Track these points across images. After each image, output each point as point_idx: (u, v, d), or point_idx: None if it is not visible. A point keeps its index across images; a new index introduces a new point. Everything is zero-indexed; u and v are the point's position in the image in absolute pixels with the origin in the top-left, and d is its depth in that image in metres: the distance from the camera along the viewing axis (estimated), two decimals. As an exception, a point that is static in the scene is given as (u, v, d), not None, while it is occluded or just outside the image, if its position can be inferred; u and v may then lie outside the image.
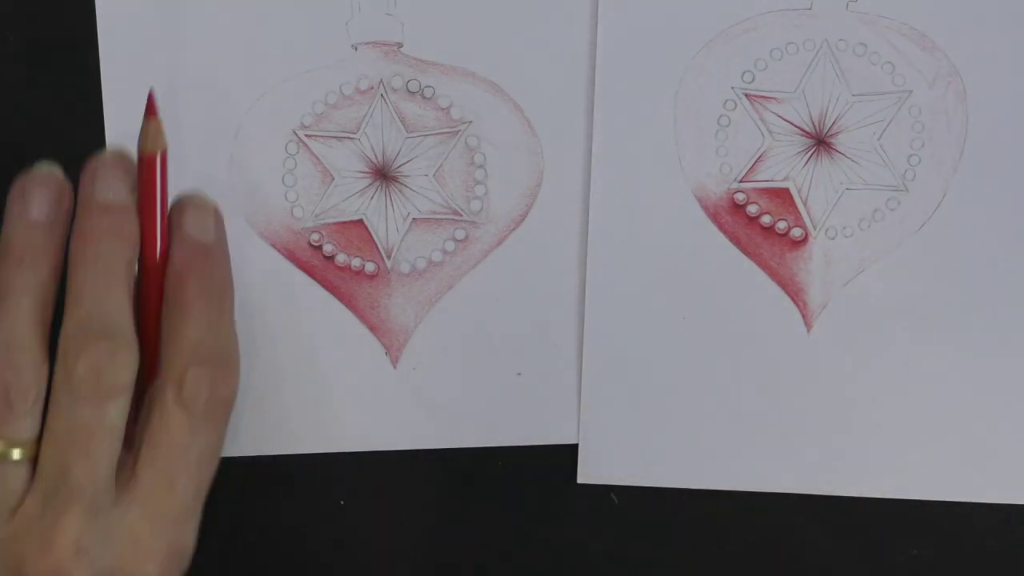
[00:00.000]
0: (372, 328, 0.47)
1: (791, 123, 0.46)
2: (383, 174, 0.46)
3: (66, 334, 0.39)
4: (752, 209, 0.47)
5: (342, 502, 0.49)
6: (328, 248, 0.47)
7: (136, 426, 0.41)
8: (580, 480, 0.48)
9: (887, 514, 0.48)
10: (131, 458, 0.40)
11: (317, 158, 0.46)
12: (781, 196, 0.47)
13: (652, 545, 0.49)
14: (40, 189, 0.40)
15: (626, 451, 0.48)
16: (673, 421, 0.48)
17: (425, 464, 0.48)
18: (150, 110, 0.40)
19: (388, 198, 0.46)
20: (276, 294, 0.47)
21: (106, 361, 0.39)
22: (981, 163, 0.46)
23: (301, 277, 0.47)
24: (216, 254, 0.42)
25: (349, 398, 0.48)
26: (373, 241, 0.47)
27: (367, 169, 0.46)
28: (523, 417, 0.48)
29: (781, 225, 0.47)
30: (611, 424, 0.48)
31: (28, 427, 0.39)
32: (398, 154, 0.46)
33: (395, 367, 0.48)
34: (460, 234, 0.47)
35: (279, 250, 0.46)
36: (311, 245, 0.46)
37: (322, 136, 0.46)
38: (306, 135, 0.46)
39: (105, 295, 0.39)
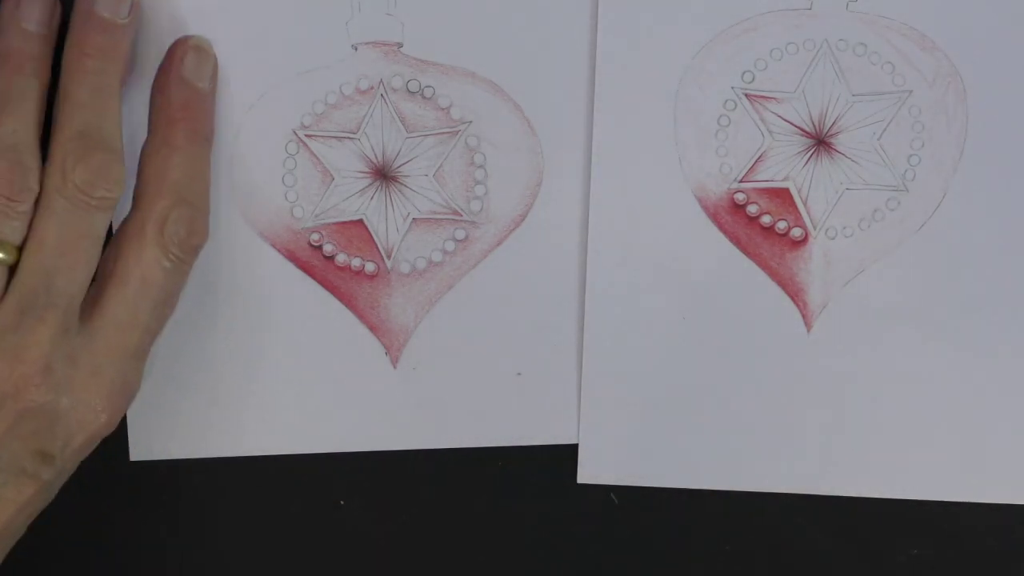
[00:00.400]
0: (372, 328, 0.47)
1: (791, 123, 0.46)
2: (383, 174, 0.46)
3: (63, 141, 0.40)
4: (752, 209, 0.47)
5: (342, 502, 0.49)
6: (328, 248, 0.47)
7: (107, 255, 0.41)
8: (580, 480, 0.48)
9: (887, 514, 0.48)
10: (96, 288, 0.41)
11: (317, 158, 0.46)
12: (781, 196, 0.47)
13: (652, 545, 0.49)
14: (34, 1, 0.41)
15: (626, 451, 0.48)
16: (673, 421, 0.48)
17: (425, 464, 0.48)
18: None
19: (388, 198, 0.46)
20: (276, 294, 0.47)
21: (104, 171, 0.39)
22: (981, 163, 0.46)
23: (301, 277, 0.47)
24: (208, 101, 0.43)
25: (349, 398, 0.48)
26: (373, 241, 0.47)
27: (367, 169, 0.46)
28: (523, 417, 0.48)
29: (781, 225, 0.47)
30: (611, 424, 0.48)
31: (19, 229, 0.39)
32: (398, 154, 0.46)
33: (395, 367, 0.48)
34: (460, 234, 0.47)
35: (279, 250, 0.46)
36: (311, 245, 0.46)
37: (322, 136, 0.46)
38: (306, 135, 0.46)
39: (103, 110, 0.40)
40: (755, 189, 0.47)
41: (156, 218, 0.41)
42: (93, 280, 0.41)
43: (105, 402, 0.41)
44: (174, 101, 0.42)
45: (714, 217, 0.47)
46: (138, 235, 0.41)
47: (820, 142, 0.46)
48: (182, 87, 0.42)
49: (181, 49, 0.43)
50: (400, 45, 0.45)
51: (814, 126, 0.46)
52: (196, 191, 0.42)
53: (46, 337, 0.39)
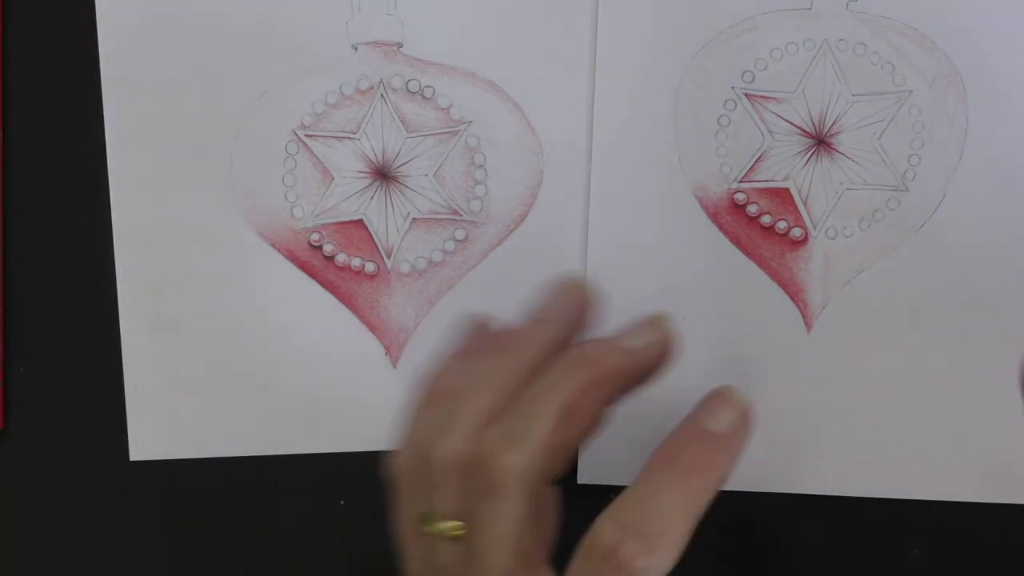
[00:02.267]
0: (372, 328, 0.47)
1: (791, 123, 0.46)
2: (383, 174, 0.46)
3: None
4: (752, 209, 0.47)
5: (342, 502, 0.49)
6: (328, 248, 0.47)
7: None
8: (580, 480, 0.48)
9: (887, 514, 0.48)
10: None
11: (317, 158, 0.46)
12: (781, 196, 0.47)
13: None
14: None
15: (626, 451, 0.48)
16: (673, 421, 0.48)
17: (425, 464, 0.48)
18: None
19: (388, 198, 0.46)
20: (276, 294, 0.47)
21: (503, 460, 0.36)
22: (981, 163, 0.46)
23: (301, 277, 0.47)
24: (729, 447, 0.39)
25: (349, 398, 0.48)
26: (373, 241, 0.47)
27: (367, 169, 0.46)
28: (523, 417, 0.48)
29: (781, 225, 0.47)
30: (611, 424, 0.48)
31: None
32: (398, 154, 0.46)
33: (395, 367, 0.48)
34: (460, 234, 0.47)
35: (279, 250, 0.46)
36: (311, 245, 0.46)
37: (322, 136, 0.46)
38: (306, 135, 0.46)
39: (534, 411, 0.37)
40: (755, 189, 0.47)
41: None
42: None
43: None
44: (684, 437, 0.39)
45: (714, 217, 0.47)
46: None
47: (820, 142, 0.46)
48: (696, 430, 0.39)
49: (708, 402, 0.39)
50: (400, 45, 0.45)
51: (814, 126, 0.46)
52: (648, 521, 0.37)
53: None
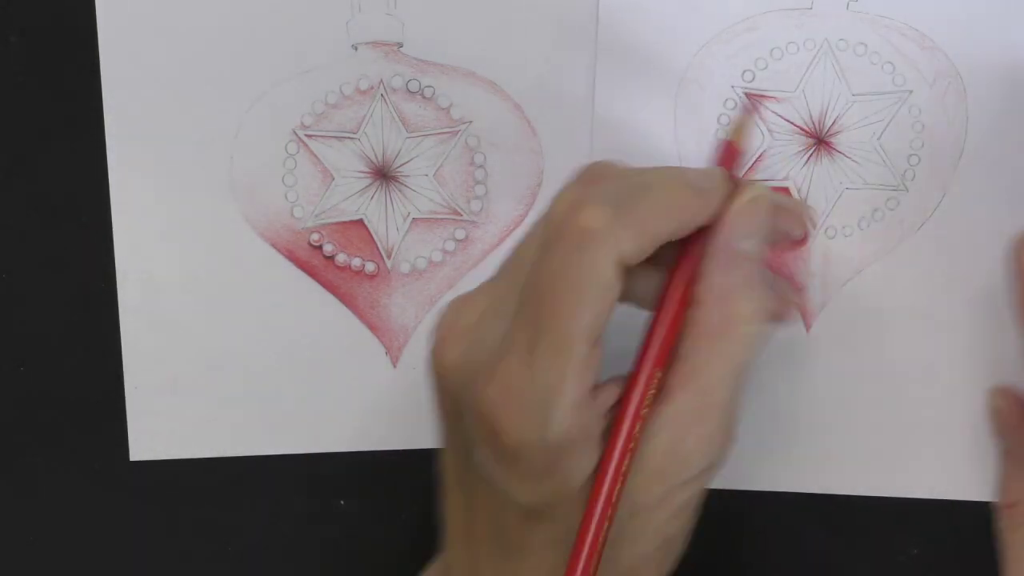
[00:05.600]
0: (372, 328, 0.47)
1: (791, 123, 0.46)
2: (383, 174, 0.46)
3: None
4: (752, 209, 0.47)
5: (342, 502, 0.49)
6: (328, 248, 0.47)
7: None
8: (580, 480, 0.48)
9: (887, 514, 0.48)
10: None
11: (317, 158, 0.46)
12: (781, 196, 0.47)
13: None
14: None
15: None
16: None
17: (425, 464, 0.48)
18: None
19: (388, 198, 0.46)
20: (276, 294, 0.47)
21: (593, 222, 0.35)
22: (981, 163, 0.46)
23: (301, 277, 0.47)
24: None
25: (349, 398, 0.48)
26: (373, 241, 0.47)
27: (367, 169, 0.46)
28: (523, 417, 0.48)
29: (781, 225, 0.47)
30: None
31: None
32: (398, 154, 0.46)
33: (395, 367, 0.48)
34: (460, 234, 0.47)
35: (279, 250, 0.46)
36: (311, 245, 0.46)
37: (322, 136, 0.46)
38: (306, 135, 0.46)
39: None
40: (755, 189, 0.47)
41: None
42: None
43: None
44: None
45: (714, 217, 0.47)
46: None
47: (820, 142, 0.46)
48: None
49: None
50: (400, 45, 0.46)
51: (814, 125, 0.46)
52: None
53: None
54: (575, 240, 0.35)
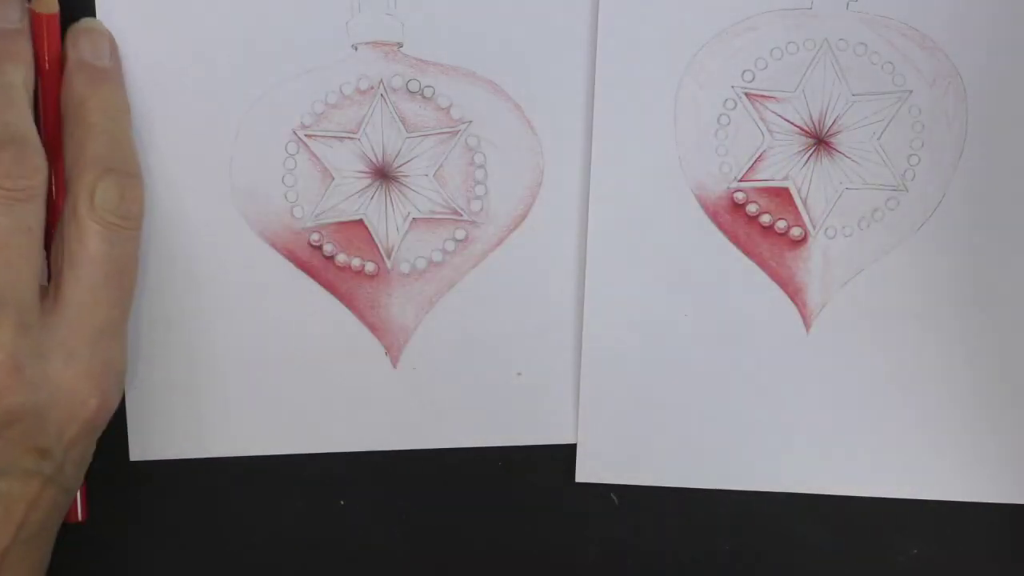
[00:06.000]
0: (372, 328, 0.47)
1: (791, 122, 0.46)
2: (383, 174, 0.46)
3: None
4: (752, 208, 0.47)
5: (342, 502, 0.49)
6: (328, 248, 0.47)
7: (54, 250, 0.42)
8: (578, 479, 0.48)
9: (887, 514, 0.48)
10: (52, 279, 0.42)
11: (317, 158, 0.46)
12: (781, 195, 0.47)
13: (651, 545, 0.49)
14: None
15: (625, 450, 0.48)
16: (672, 421, 0.48)
17: (425, 464, 0.48)
18: None
19: (388, 198, 0.46)
20: (276, 294, 0.47)
21: (15, 164, 0.40)
22: (981, 163, 0.46)
23: (301, 277, 0.47)
24: (113, 77, 0.43)
25: (349, 398, 0.48)
26: (373, 241, 0.47)
27: (367, 169, 0.46)
28: (522, 417, 0.48)
29: (780, 224, 0.47)
30: (610, 424, 0.48)
31: None
32: (398, 154, 0.46)
33: (395, 367, 0.48)
34: (460, 234, 0.47)
35: (279, 250, 0.46)
36: (311, 245, 0.46)
37: (322, 136, 0.46)
38: (306, 135, 0.46)
39: (7, 107, 0.40)
40: (755, 188, 0.47)
41: (85, 194, 0.41)
42: (51, 273, 0.42)
43: (90, 387, 0.41)
44: (79, 85, 0.42)
45: (713, 216, 0.47)
46: (72, 215, 0.41)
47: (820, 142, 0.46)
48: (83, 71, 0.43)
49: (73, 37, 0.43)
50: (400, 45, 0.45)
51: (814, 125, 0.46)
52: (120, 158, 0.42)
53: (7, 338, 0.39)
54: None
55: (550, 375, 0.48)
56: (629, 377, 0.47)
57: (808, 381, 0.48)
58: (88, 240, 0.41)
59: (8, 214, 0.40)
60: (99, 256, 0.41)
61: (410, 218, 0.47)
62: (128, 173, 0.43)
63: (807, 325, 0.47)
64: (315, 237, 0.46)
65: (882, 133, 0.46)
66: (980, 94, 0.46)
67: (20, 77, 0.42)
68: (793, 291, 0.47)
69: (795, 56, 0.46)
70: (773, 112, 0.46)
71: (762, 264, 0.47)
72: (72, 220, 0.41)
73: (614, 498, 0.48)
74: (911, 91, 0.46)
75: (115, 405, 0.43)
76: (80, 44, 0.43)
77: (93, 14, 0.45)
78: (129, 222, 0.42)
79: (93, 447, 0.43)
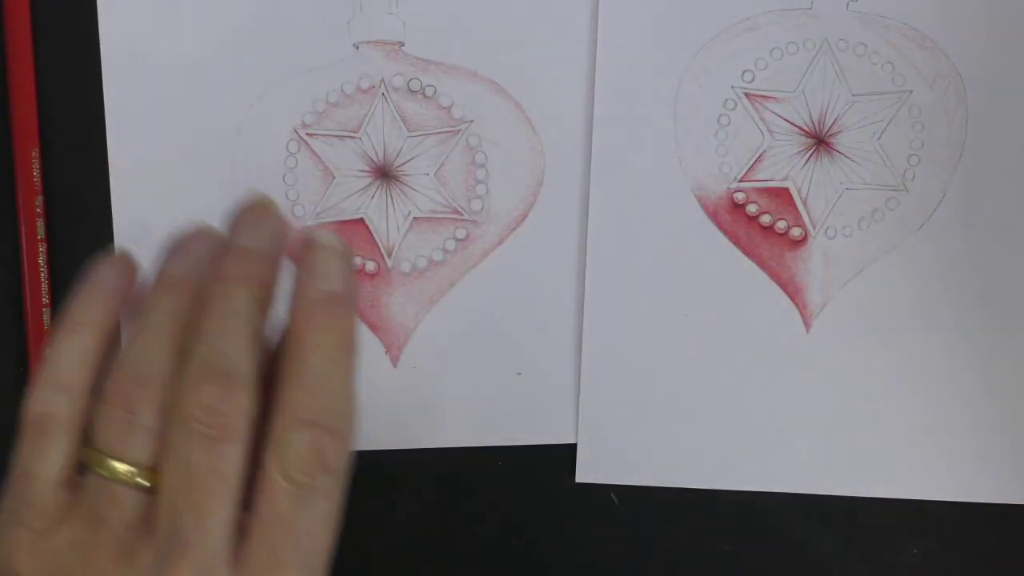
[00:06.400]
0: (372, 327, 0.47)
1: (791, 123, 0.46)
2: (384, 173, 0.46)
3: (184, 373, 0.36)
4: (752, 208, 0.47)
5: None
6: (329, 247, 0.47)
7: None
8: (578, 479, 0.48)
9: (887, 514, 0.48)
10: (244, 529, 0.36)
11: (318, 157, 0.46)
12: (781, 196, 0.47)
13: (651, 545, 0.49)
14: (197, 239, 0.39)
15: (625, 450, 0.48)
16: (672, 421, 0.48)
17: (425, 464, 0.48)
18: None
19: (389, 197, 0.46)
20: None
21: (219, 399, 0.35)
22: (981, 163, 0.46)
23: (302, 276, 0.47)
24: (339, 308, 0.37)
25: (349, 397, 0.48)
26: (374, 240, 0.47)
27: (368, 168, 0.46)
28: (523, 417, 0.48)
29: (781, 225, 0.47)
30: (610, 424, 0.48)
31: (152, 452, 0.36)
32: (399, 153, 0.46)
33: (395, 366, 0.47)
34: (461, 233, 0.47)
35: (280, 249, 0.46)
36: (312, 244, 0.46)
37: (323, 135, 0.46)
38: (307, 134, 0.46)
39: (226, 334, 0.36)
40: (755, 188, 0.47)
41: (275, 448, 0.35)
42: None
43: None
44: (296, 311, 0.37)
45: (714, 216, 0.47)
46: (262, 468, 0.36)
47: (820, 142, 0.46)
48: (306, 295, 0.37)
49: (302, 250, 0.38)
50: (401, 44, 0.46)
51: (814, 126, 0.46)
52: (325, 411, 0.36)
53: None
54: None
55: (550, 375, 0.48)
56: (629, 377, 0.47)
57: (808, 381, 0.48)
58: (275, 500, 0.35)
59: (204, 452, 0.35)
60: (286, 518, 0.36)
61: (411, 217, 0.47)
62: (331, 429, 0.36)
63: (807, 325, 0.47)
64: (316, 236, 0.46)
65: (882, 133, 0.46)
66: (980, 94, 0.46)
67: (249, 305, 0.36)
68: (793, 291, 0.47)
69: (795, 56, 0.46)
70: (773, 112, 0.46)
71: (762, 264, 0.47)
72: (262, 472, 0.36)
73: (614, 498, 0.48)
74: (911, 91, 0.46)
75: None
76: (308, 261, 0.37)
77: (94, 14, 0.45)
78: (322, 481, 0.36)
79: None
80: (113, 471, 0.35)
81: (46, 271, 0.47)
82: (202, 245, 0.38)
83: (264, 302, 0.37)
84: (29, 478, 0.36)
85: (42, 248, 0.46)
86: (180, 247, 0.39)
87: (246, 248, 0.37)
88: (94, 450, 0.35)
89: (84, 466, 0.35)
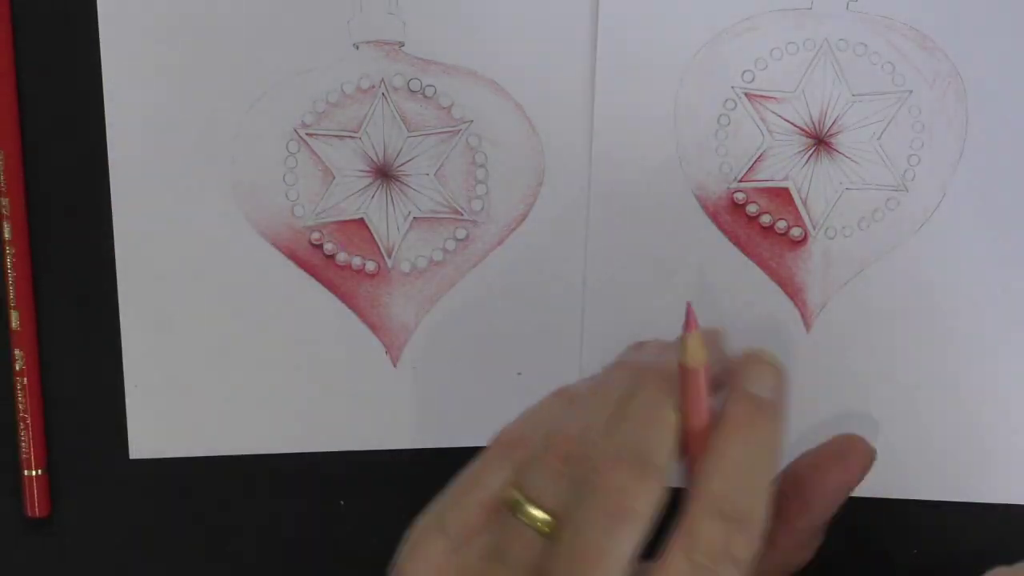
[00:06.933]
0: (372, 327, 0.47)
1: (791, 123, 0.46)
2: (384, 173, 0.46)
3: (607, 443, 0.37)
4: (752, 209, 0.47)
5: (342, 502, 0.49)
6: (329, 247, 0.47)
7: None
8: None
9: (887, 514, 0.48)
10: None
11: (318, 157, 0.46)
12: (781, 196, 0.47)
13: (651, 544, 0.49)
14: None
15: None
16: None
17: (425, 464, 0.48)
18: (690, 324, 0.39)
19: (389, 197, 0.46)
20: (276, 293, 0.47)
21: (628, 478, 0.36)
22: (981, 163, 0.46)
23: (301, 276, 0.47)
24: (772, 414, 0.38)
25: (349, 397, 0.48)
26: (374, 240, 0.47)
27: (368, 168, 0.46)
28: (523, 417, 0.48)
29: (781, 225, 0.47)
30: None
31: (562, 504, 0.37)
32: (399, 153, 0.46)
33: (395, 366, 0.48)
34: (461, 233, 0.47)
35: (280, 249, 0.46)
36: (312, 244, 0.47)
37: (323, 135, 0.46)
38: (307, 134, 0.46)
39: (650, 428, 0.37)
40: (755, 189, 0.47)
41: (685, 523, 0.36)
42: None
43: None
44: (731, 415, 0.38)
45: (714, 216, 0.47)
46: (667, 546, 0.36)
47: (820, 142, 0.46)
48: (740, 402, 0.38)
49: (744, 362, 0.39)
50: (401, 44, 0.46)
51: (814, 126, 0.46)
52: (741, 505, 0.37)
53: None
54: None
55: (550, 375, 0.48)
56: (629, 377, 0.47)
57: (808, 381, 0.48)
58: (673, 574, 0.36)
59: (606, 532, 0.36)
60: None
61: (411, 217, 0.47)
62: (745, 523, 0.37)
63: (807, 325, 0.47)
64: (316, 236, 0.46)
65: (882, 133, 0.46)
66: (980, 94, 0.46)
67: (670, 414, 0.37)
68: (793, 291, 0.47)
69: (795, 56, 0.46)
70: (773, 112, 0.46)
71: (762, 264, 0.47)
72: (667, 549, 0.36)
73: (614, 498, 0.48)
74: (911, 91, 0.46)
75: None
76: (748, 369, 0.39)
77: (95, 14, 0.45)
78: (725, 570, 0.36)
79: None
80: (531, 517, 0.36)
81: (14, 275, 0.46)
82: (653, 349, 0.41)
83: (678, 418, 0.38)
84: (477, 487, 0.38)
85: (9, 251, 0.46)
86: (637, 345, 0.42)
87: (667, 364, 0.39)
88: (518, 488, 0.37)
89: (503, 500, 0.37)
